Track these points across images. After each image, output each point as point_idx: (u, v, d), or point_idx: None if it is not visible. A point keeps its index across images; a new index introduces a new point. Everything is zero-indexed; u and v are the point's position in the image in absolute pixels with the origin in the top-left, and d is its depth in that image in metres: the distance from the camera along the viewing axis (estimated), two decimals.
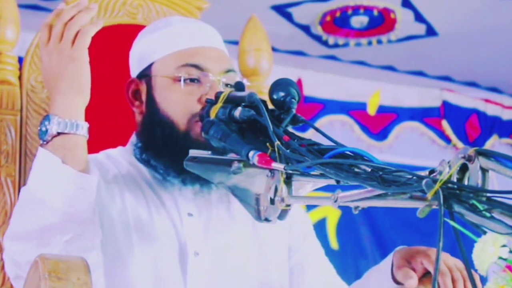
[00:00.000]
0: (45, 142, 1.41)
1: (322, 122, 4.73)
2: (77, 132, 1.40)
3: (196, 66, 1.59)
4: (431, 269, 1.52)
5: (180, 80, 1.58)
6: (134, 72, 1.68)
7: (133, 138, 1.67)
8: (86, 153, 1.42)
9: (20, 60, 1.88)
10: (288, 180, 1.27)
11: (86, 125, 1.42)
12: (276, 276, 1.64)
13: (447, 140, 5.02)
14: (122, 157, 1.65)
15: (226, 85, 1.59)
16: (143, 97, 1.64)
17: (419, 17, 4.12)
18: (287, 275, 1.68)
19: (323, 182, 1.23)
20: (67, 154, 1.39)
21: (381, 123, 4.93)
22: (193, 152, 1.44)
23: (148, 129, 1.62)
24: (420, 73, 4.86)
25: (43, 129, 1.41)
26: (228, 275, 1.58)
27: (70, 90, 1.42)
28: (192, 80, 1.58)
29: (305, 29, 4.25)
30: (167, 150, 1.57)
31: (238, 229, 1.62)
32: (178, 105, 1.58)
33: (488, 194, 0.93)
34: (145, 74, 1.64)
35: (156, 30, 1.68)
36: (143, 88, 1.64)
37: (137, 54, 1.68)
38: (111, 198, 1.55)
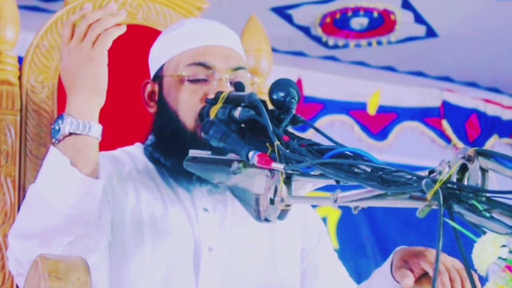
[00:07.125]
0: (57, 141, 1.40)
1: (322, 122, 4.72)
2: (90, 133, 1.39)
3: (202, 65, 1.59)
4: (428, 269, 1.52)
5: (185, 79, 1.59)
6: (152, 74, 1.69)
7: (149, 138, 1.68)
8: (96, 155, 1.41)
9: (20, 60, 1.88)
10: (288, 180, 1.27)
11: (99, 127, 1.41)
12: (286, 275, 1.65)
13: (447, 140, 5.02)
14: (139, 152, 1.66)
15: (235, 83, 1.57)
16: (156, 97, 1.65)
17: (419, 19, 4.11)
18: (299, 275, 1.68)
19: (323, 182, 1.23)
20: (77, 155, 1.38)
21: (381, 123, 4.93)
22: (192, 152, 1.44)
23: (159, 129, 1.63)
24: (420, 74, 4.85)
25: (56, 127, 1.40)
26: (240, 270, 1.59)
27: (86, 91, 1.41)
28: (197, 79, 1.58)
29: (305, 30, 4.25)
30: (176, 150, 1.57)
31: (252, 226, 1.61)
32: (183, 104, 1.59)
33: (488, 194, 0.93)
34: (158, 76, 1.65)
35: (170, 31, 1.70)
36: (156, 89, 1.66)
37: (152, 57, 1.70)
38: (125, 195, 1.56)
